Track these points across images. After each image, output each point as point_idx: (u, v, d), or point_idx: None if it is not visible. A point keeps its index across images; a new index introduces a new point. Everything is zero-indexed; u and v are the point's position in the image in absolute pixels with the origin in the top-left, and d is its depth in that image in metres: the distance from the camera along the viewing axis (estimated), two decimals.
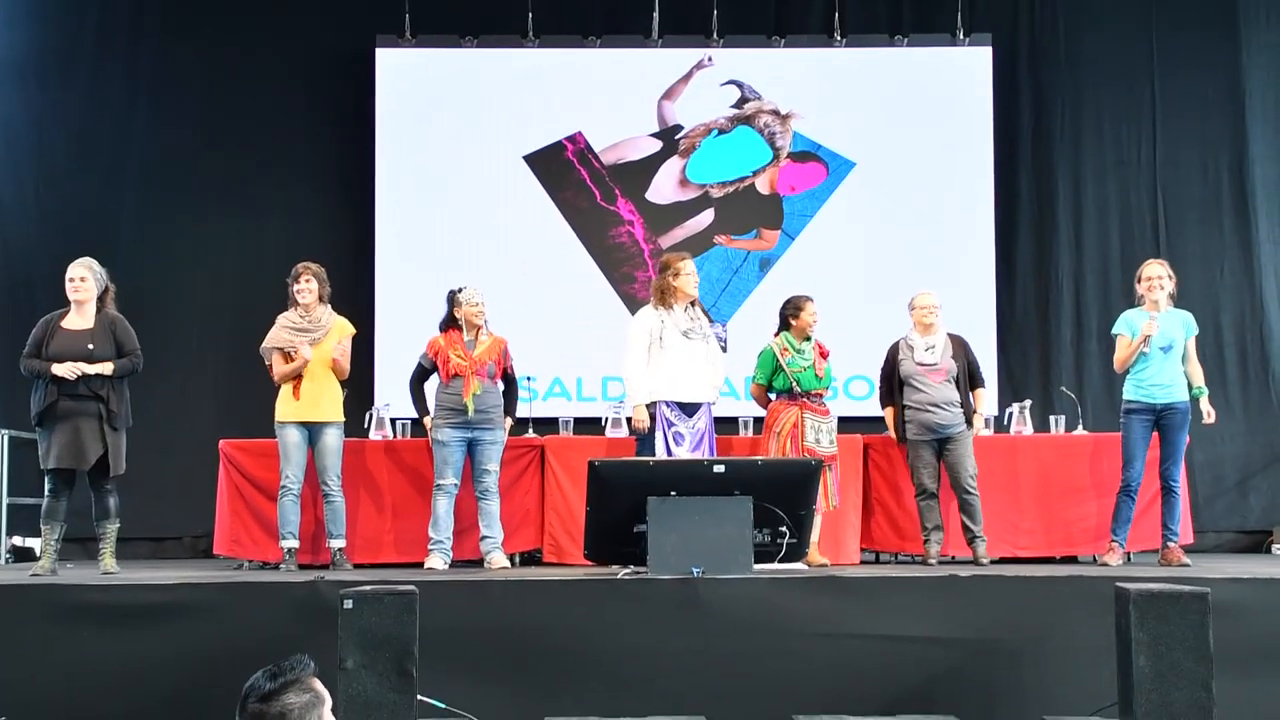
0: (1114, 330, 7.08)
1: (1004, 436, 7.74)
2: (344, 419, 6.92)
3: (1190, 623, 4.76)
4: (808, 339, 7.06)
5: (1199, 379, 6.97)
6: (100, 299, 6.59)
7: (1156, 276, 6.96)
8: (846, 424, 7.30)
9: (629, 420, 7.02)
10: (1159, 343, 6.86)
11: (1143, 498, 7.04)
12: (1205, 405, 6.95)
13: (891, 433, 7.30)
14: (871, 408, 8.66)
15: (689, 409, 6.85)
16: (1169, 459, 6.92)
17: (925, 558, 7.05)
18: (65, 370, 6.35)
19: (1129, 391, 6.97)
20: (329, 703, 2.59)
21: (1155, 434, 6.95)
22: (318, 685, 2.59)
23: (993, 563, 6.94)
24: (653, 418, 6.80)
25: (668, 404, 6.81)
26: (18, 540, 8.30)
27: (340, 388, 6.92)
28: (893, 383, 7.24)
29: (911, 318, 7.28)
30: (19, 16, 9.39)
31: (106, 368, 6.43)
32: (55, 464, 6.40)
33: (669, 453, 6.71)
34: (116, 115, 9.36)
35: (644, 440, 6.88)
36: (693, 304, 6.99)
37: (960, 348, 7.28)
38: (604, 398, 8.93)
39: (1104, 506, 7.18)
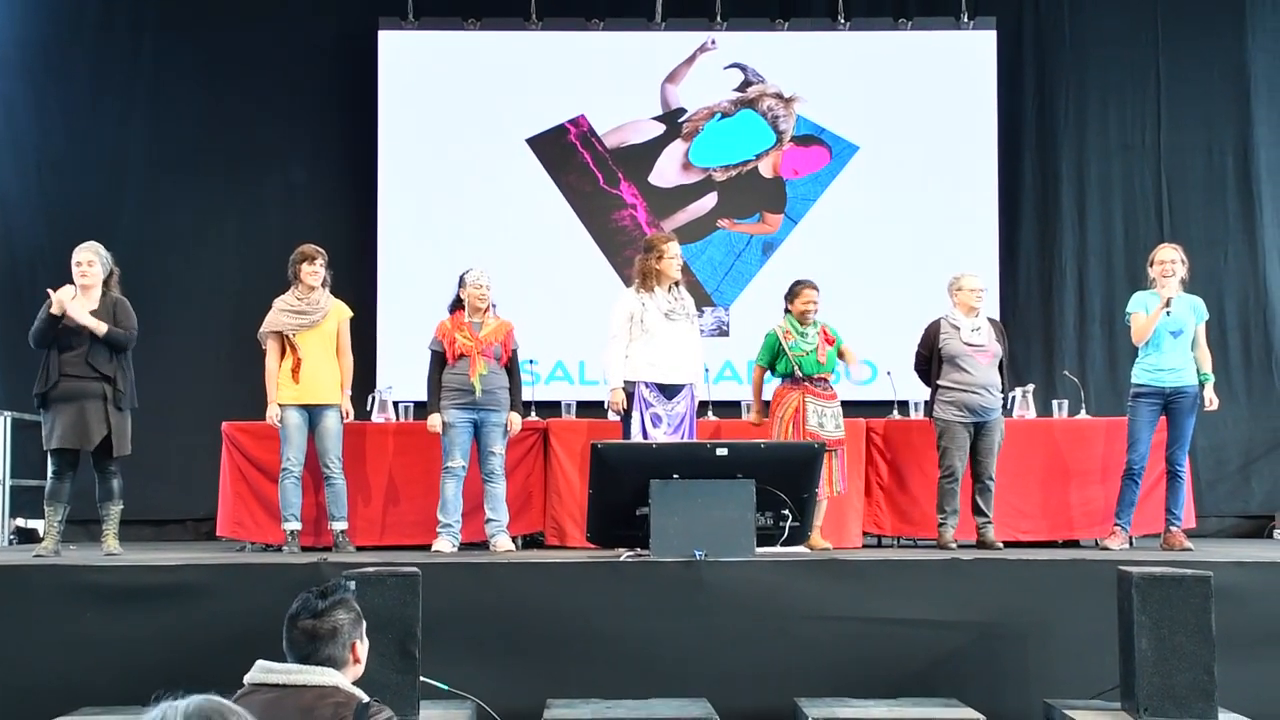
0: (1128, 309, 7.01)
1: (1012, 421, 7.65)
2: (340, 402, 6.87)
3: (1193, 606, 4.77)
4: (811, 324, 7.01)
5: (1207, 365, 6.92)
6: (105, 282, 6.57)
7: (1170, 260, 6.92)
8: (848, 408, 7.27)
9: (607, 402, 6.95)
10: (1170, 327, 6.83)
11: (1146, 482, 7.02)
12: (1209, 392, 6.90)
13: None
14: (873, 392, 8.67)
15: (670, 391, 6.77)
16: (1176, 443, 6.91)
17: (940, 541, 6.95)
18: (57, 304, 6.31)
19: (1138, 375, 6.94)
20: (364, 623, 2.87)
21: (1161, 418, 6.93)
22: (358, 606, 2.82)
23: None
24: (631, 398, 6.75)
25: (648, 385, 6.73)
26: (21, 522, 8.32)
27: (339, 370, 6.90)
28: (932, 362, 7.13)
29: (956, 299, 7.14)
30: (20, 3, 9.36)
31: (101, 327, 6.38)
32: (59, 444, 6.39)
33: (644, 435, 6.65)
34: (118, 99, 9.34)
35: (622, 421, 6.85)
36: (676, 284, 6.89)
37: (1001, 334, 7.22)
38: (606, 381, 8.91)
39: (1111, 491, 7.17)
